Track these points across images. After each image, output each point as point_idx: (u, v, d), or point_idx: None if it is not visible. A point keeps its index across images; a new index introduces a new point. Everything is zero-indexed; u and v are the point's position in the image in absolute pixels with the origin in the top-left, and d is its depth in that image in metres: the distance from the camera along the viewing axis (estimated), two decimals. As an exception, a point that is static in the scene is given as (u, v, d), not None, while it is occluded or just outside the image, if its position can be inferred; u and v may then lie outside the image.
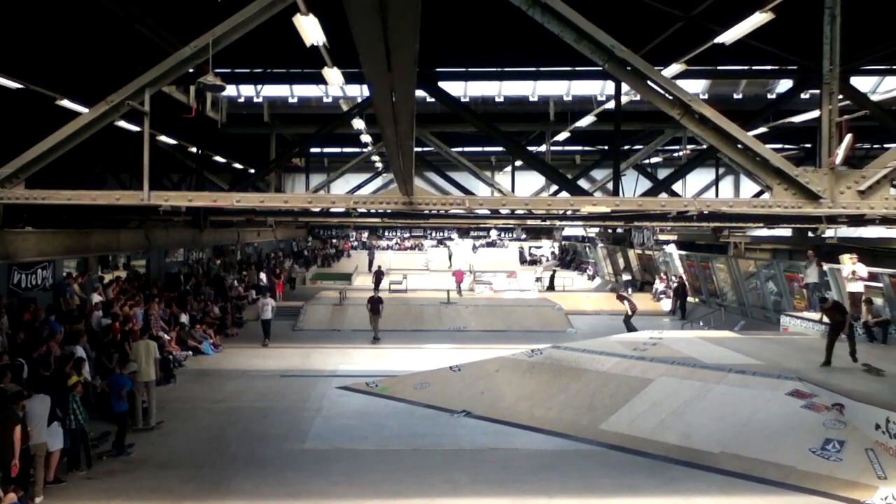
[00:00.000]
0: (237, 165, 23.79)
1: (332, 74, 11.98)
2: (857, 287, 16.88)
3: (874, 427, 10.59)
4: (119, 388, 12.04)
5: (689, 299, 29.09)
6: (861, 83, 15.18)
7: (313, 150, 23.73)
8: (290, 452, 11.72)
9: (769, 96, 17.52)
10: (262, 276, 32.61)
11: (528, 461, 11.36)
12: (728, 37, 10.23)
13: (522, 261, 52.82)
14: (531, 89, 18.83)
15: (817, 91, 8.42)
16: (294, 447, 12.03)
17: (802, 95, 14.97)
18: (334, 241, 54.07)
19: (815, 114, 14.70)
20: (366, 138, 19.55)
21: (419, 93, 10.10)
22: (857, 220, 16.28)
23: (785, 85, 16.51)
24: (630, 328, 23.52)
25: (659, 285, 32.08)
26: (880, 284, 16.95)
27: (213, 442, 12.28)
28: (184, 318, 20.82)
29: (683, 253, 31.77)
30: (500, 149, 22.99)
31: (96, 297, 18.58)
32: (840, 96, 7.98)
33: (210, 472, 10.75)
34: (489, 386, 15.43)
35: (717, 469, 10.70)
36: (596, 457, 11.59)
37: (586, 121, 17.52)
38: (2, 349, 12.84)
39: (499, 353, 17.74)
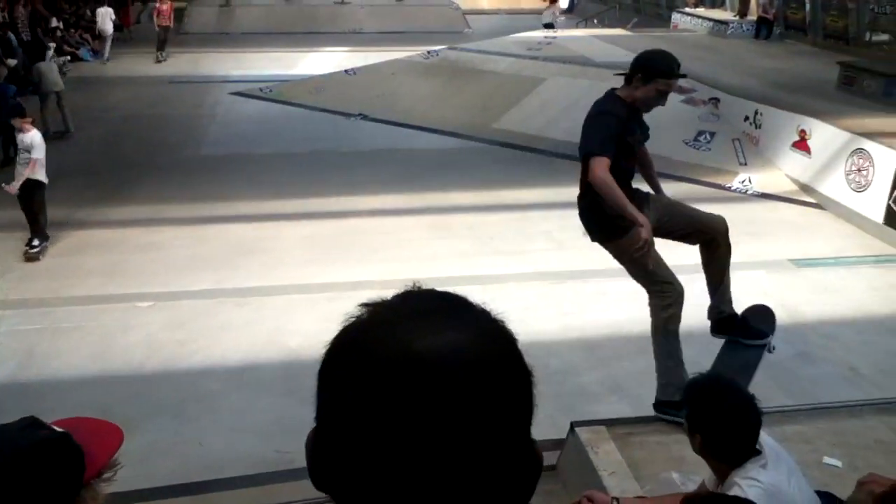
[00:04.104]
0: None
1: None
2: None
3: (743, 119, 11.43)
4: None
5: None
6: None
7: None
8: (188, 159, 11.78)
9: None
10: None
11: (425, 160, 11.84)
12: None
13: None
14: None
15: None
16: (191, 154, 12.08)
17: None
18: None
19: None
20: None
21: None
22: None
23: None
24: None
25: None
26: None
27: (108, 151, 12.13)
28: (55, 23, 19.26)
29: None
30: None
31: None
32: None
33: (109, 178, 10.73)
34: (386, 89, 15.44)
35: (598, 161, 11.49)
36: (489, 153, 12.17)
37: None
38: None
39: (395, 56, 17.53)
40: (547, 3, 24.05)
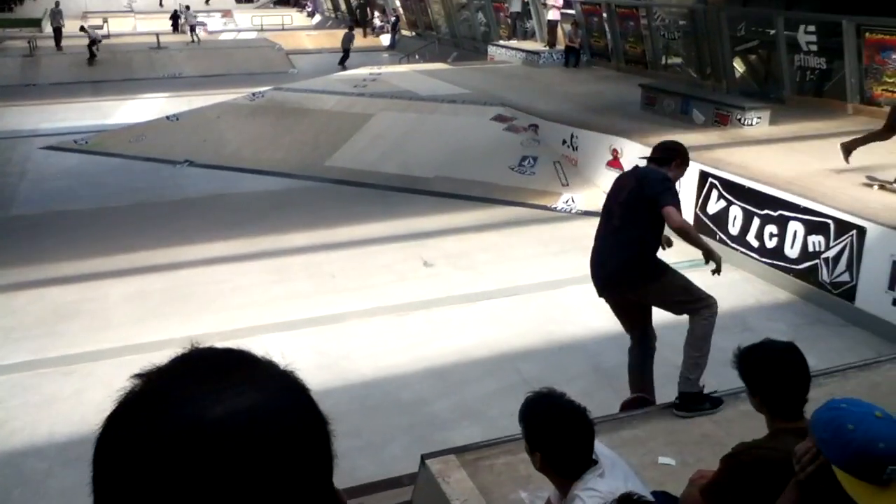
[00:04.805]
0: None
1: None
2: (554, 15, 18.15)
3: (561, 142, 12.06)
4: None
5: (405, 33, 29.51)
6: None
7: None
8: (-4, 222, 10.90)
9: None
10: None
11: (257, 203, 11.59)
12: None
13: (238, -2, 49.21)
14: None
15: None
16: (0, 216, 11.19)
17: None
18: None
19: None
20: None
21: None
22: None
23: None
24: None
25: (377, 21, 31.94)
26: (573, 12, 18.31)
27: None
28: None
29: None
30: None
31: None
32: None
33: None
34: (211, 134, 15.05)
35: (431, 192, 11.72)
36: (323, 192, 12.10)
37: None
38: None
39: (219, 99, 17.15)
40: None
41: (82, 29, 26.42)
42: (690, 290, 4.74)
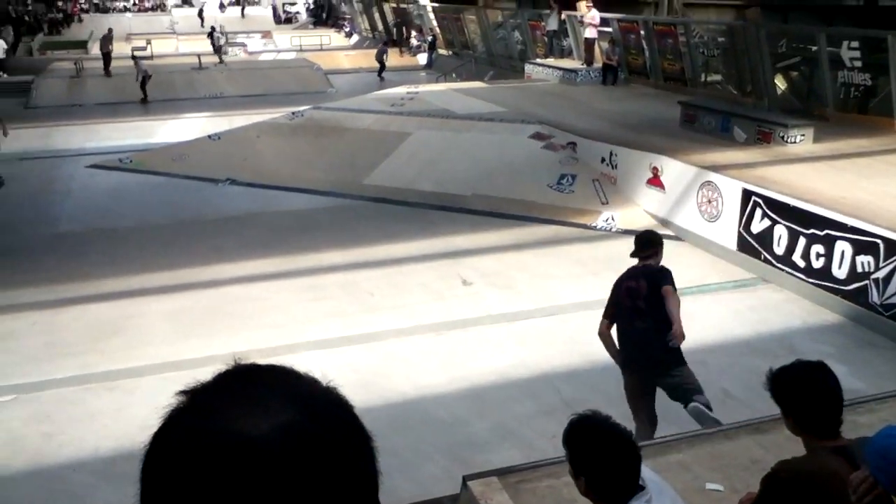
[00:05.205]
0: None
1: None
2: (591, 33, 18.12)
3: (600, 160, 11.98)
4: None
5: (442, 52, 29.68)
6: None
7: None
8: (42, 238, 11.10)
9: None
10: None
11: (295, 221, 11.67)
12: None
13: (277, 20, 50.05)
14: None
15: None
16: (46, 232, 11.40)
17: None
18: (60, 3, 47.68)
19: None
20: None
21: None
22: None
23: None
24: None
25: (414, 40, 32.18)
26: (610, 29, 18.26)
27: (-50, 236, 11.27)
28: None
29: (436, 5, 31.71)
30: None
31: None
32: None
33: (-48, 267, 9.97)
34: (251, 152, 15.22)
35: (468, 210, 11.71)
36: (360, 210, 12.15)
37: None
38: None
39: (259, 119, 17.39)
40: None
41: (133, 59, 25.69)
42: (694, 379, 5.13)
